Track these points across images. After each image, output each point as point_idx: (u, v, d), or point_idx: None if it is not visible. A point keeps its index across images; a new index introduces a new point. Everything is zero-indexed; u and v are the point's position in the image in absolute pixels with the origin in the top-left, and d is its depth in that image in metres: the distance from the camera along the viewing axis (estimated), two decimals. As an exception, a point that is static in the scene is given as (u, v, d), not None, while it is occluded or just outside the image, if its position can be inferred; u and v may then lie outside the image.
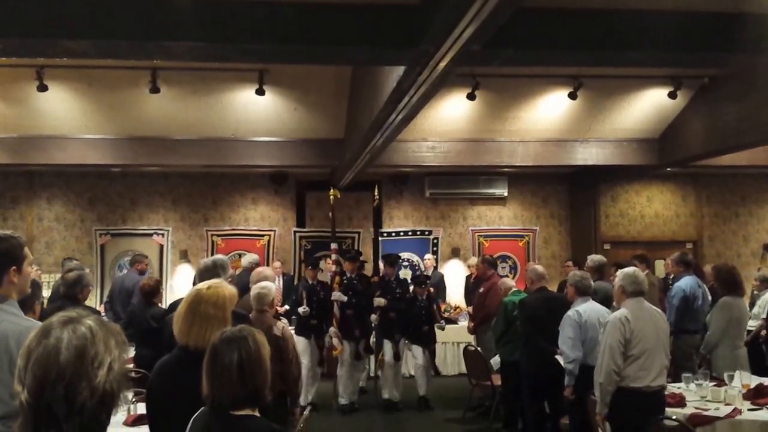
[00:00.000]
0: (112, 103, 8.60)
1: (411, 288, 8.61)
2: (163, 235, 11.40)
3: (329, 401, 8.47)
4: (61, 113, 8.72)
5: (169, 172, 11.22)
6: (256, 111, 8.77)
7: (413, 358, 8.46)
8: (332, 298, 8.11)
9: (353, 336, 8.22)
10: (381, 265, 8.86)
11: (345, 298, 8.12)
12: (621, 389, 4.57)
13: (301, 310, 8.19)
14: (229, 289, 3.18)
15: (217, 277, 4.38)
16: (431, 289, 8.73)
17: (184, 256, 11.27)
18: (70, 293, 6.19)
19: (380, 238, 11.55)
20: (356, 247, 11.46)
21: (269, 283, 5.34)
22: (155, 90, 7.90)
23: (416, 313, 8.27)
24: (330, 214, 8.88)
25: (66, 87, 8.27)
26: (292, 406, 4.94)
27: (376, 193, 9.20)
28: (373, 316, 8.28)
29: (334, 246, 8.69)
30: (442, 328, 8.53)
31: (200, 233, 11.51)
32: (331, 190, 8.77)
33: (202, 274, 4.59)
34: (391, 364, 8.34)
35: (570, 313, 5.57)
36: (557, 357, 5.78)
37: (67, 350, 1.42)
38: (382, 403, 8.36)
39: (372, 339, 8.60)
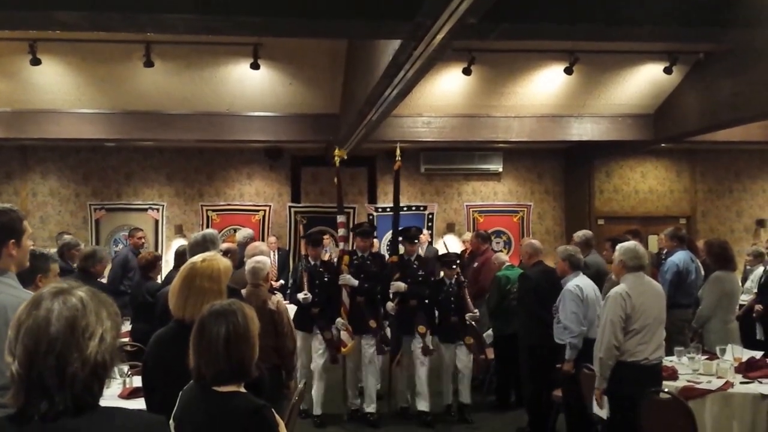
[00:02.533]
0: (106, 77, 8.55)
1: (437, 270, 7.17)
2: (158, 209, 11.41)
3: (336, 405, 7.02)
4: (55, 87, 8.66)
5: (163, 146, 11.19)
6: (250, 85, 8.73)
7: (443, 359, 6.87)
8: (340, 282, 6.67)
9: (367, 329, 6.72)
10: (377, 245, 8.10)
11: (356, 282, 6.67)
12: (620, 363, 4.59)
13: (301, 296, 6.64)
14: (224, 262, 3.18)
15: (218, 251, 4.41)
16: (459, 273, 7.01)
17: (180, 231, 11.27)
18: (83, 266, 6.21)
19: (375, 213, 11.60)
20: (352, 224, 11.45)
21: (264, 258, 5.37)
22: (149, 64, 7.85)
23: (444, 301, 6.74)
24: (336, 180, 7.47)
25: (59, 61, 8.22)
26: (287, 380, 4.98)
27: (336, 180, 7.62)
28: (390, 305, 6.72)
29: (341, 219, 7.30)
30: (476, 320, 6.79)
31: (195, 208, 11.51)
32: (337, 151, 7.33)
33: (192, 249, 4.58)
34: (419, 361, 6.70)
35: (570, 287, 5.56)
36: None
37: (57, 321, 1.42)
38: (402, 413, 6.93)
39: (382, 333, 7.03)
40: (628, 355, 4.61)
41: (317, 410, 6.77)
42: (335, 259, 7.17)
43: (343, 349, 6.71)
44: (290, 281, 10.70)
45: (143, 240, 9.06)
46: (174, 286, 3.07)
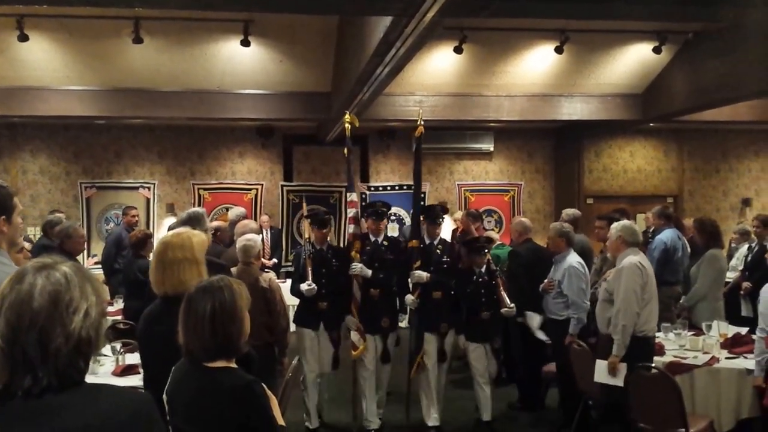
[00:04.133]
0: (95, 53, 8.48)
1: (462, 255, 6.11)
2: (149, 188, 11.38)
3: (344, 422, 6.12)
4: (43, 64, 8.59)
5: (154, 124, 11.14)
6: (241, 63, 8.69)
7: (472, 365, 5.90)
8: (351, 271, 5.70)
9: (380, 327, 5.78)
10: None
11: (369, 272, 5.71)
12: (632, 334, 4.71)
13: (304, 287, 5.61)
14: (198, 235, 3.20)
15: (203, 230, 4.42)
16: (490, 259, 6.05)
17: (171, 210, 11.25)
18: (60, 243, 6.23)
19: (368, 192, 11.62)
20: (343, 204, 11.47)
21: (255, 236, 5.39)
22: (138, 40, 7.80)
23: (473, 293, 5.78)
24: (345, 152, 6.32)
25: (47, 37, 8.14)
26: (280, 357, 5.04)
27: (345, 152, 6.34)
28: (410, 298, 5.79)
29: (352, 197, 6.16)
30: (513, 314, 5.84)
31: (187, 187, 11.49)
32: (347, 116, 6.27)
33: (177, 227, 4.62)
34: (436, 370, 5.84)
35: (574, 264, 5.67)
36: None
37: (40, 296, 1.40)
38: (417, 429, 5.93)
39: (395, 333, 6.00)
40: (641, 324, 4.72)
41: (314, 422, 5.92)
42: (311, 238, 6.05)
43: (353, 353, 5.73)
44: (283, 264, 10.90)
45: (137, 218, 9.07)
46: (151, 265, 3.11)
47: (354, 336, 5.75)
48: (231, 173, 11.67)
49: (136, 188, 11.36)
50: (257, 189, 11.59)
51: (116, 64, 8.68)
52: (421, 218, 5.97)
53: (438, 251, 5.90)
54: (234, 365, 2.34)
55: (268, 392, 2.35)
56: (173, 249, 3.04)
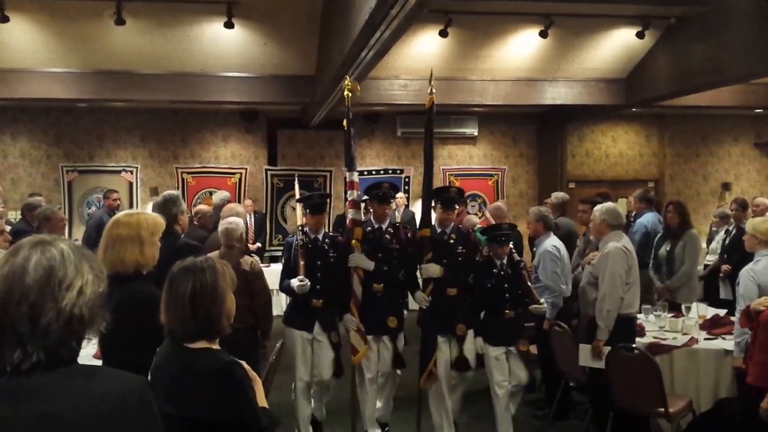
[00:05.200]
0: (76, 35, 8.36)
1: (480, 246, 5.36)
2: (131, 172, 11.30)
3: None
4: (24, 46, 8.46)
5: (136, 107, 11.04)
6: (224, 45, 8.61)
7: (491, 373, 5.05)
8: (350, 263, 5.00)
9: (385, 328, 5.07)
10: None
11: (371, 265, 5.00)
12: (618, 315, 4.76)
13: (295, 283, 4.92)
14: (151, 216, 3.18)
15: (169, 213, 4.41)
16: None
17: (155, 194, 11.15)
18: (37, 226, 6.17)
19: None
20: (328, 188, 11.46)
21: (237, 219, 5.32)
22: (120, 22, 7.69)
23: (495, 288, 5.03)
24: (344, 124, 5.40)
25: (28, 18, 8.01)
26: (263, 340, 5.01)
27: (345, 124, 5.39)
28: (420, 295, 5.04)
29: (352, 177, 5.27)
30: (543, 313, 5.23)
31: (170, 170, 11.42)
32: (346, 81, 5.52)
33: (153, 210, 4.61)
34: (452, 378, 5.10)
35: (549, 248, 5.62)
36: None
37: (34, 271, 1.37)
38: None
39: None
40: (624, 306, 4.78)
41: None
42: (304, 225, 5.24)
43: (353, 358, 5.01)
44: (267, 248, 10.90)
45: (118, 202, 9.02)
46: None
47: (353, 338, 4.96)
48: (214, 157, 11.62)
49: (119, 172, 11.27)
50: (241, 173, 11.54)
51: (98, 45, 8.56)
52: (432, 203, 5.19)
53: (452, 241, 5.10)
54: (216, 346, 2.31)
55: (252, 373, 2.33)
56: (118, 226, 3.02)
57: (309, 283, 4.93)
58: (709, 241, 8.49)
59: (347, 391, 5.37)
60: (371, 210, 5.42)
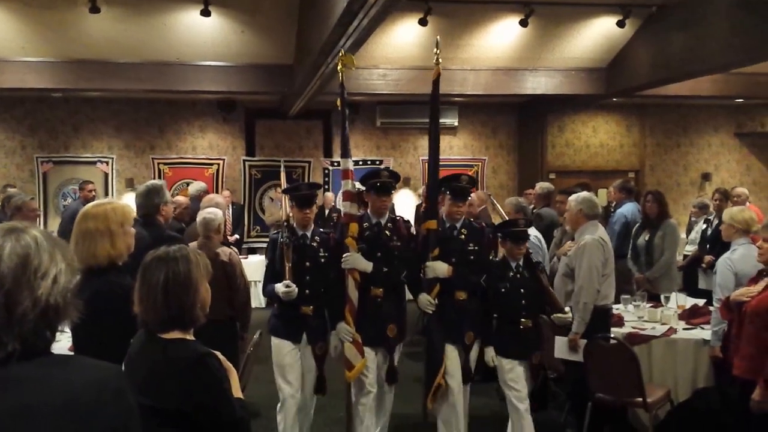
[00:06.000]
0: (51, 23, 8.18)
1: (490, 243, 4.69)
2: (107, 162, 11.15)
3: None
4: (-4, 34, 8.29)
5: (112, 97, 10.87)
6: (201, 34, 8.49)
7: (508, 387, 4.45)
8: (344, 265, 4.34)
9: (385, 338, 4.43)
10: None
11: (369, 266, 4.36)
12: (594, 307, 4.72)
13: (281, 288, 4.28)
14: (119, 206, 3.11)
15: (151, 203, 4.34)
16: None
17: (131, 185, 11.05)
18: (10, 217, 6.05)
19: (331, 168, 11.54)
20: (307, 178, 11.37)
21: (215, 209, 5.28)
22: (95, 10, 7.55)
23: (510, 293, 4.42)
24: (338, 103, 4.83)
25: (2, 7, 7.83)
26: (242, 332, 4.98)
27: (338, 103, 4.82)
28: (425, 298, 4.37)
29: (347, 165, 4.67)
30: (567, 323, 4.56)
31: (146, 161, 11.28)
32: (341, 55, 4.83)
33: (136, 200, 4.55)
34: (461, 393, 4.48)
35: (533, 240, 5.59)
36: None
37: (9, 258, 1.35)
38: None
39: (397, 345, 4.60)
40: (600, 298, 4.74)
41: None
42: (290, 220, 4.52)
43: (348, 374, 4.38)
44: (245, 240, 10.80)
45: (94, 193, 8.90)
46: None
47: (349, 351, 4.33)
48: (192, 148, 11.49)
49: (94, 163, 11.12)
50: (218, 164, 11.43)
51: (73, 34, 8.40)
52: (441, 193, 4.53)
53: (462, 237, 4.47)
54: (191, 337, 2.30)
55: (227, 364, 2.32)
56: (87, 220, 2.97)
57: (296, 289, 4.26)
58: (689, 231, 8.51)
59: (337, 409, 4.74)
60: (369, 203, 4.59)
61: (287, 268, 4.31)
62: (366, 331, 4.38)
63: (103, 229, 2.93)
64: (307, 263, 4.42)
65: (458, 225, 4.52)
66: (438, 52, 4.75)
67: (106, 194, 10.97)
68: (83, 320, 2.67)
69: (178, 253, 2.31)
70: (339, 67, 4.74)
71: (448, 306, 4.41)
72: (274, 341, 4.48)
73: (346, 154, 4.68)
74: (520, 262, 4.51)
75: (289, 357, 4.42)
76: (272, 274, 4.51)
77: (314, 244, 4.49)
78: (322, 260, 4.47)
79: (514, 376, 4.43)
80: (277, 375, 4.46)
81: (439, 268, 4.37)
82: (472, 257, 4.47)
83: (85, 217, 2.99)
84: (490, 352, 4.50)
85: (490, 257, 4.59)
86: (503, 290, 4.46)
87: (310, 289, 4.39)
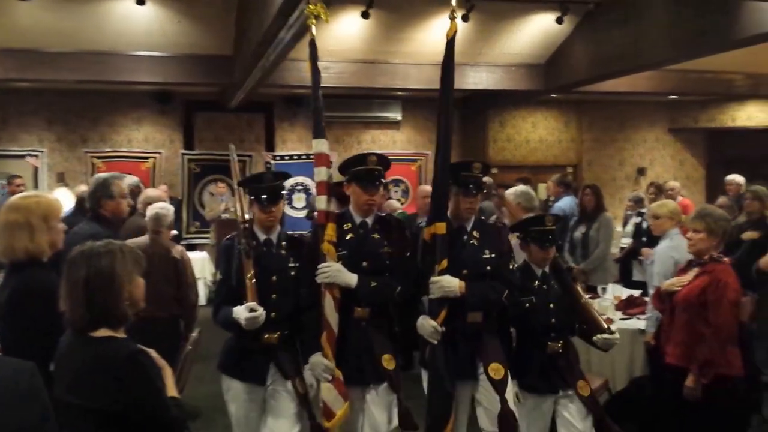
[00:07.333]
0: (-25, 10, 7.83)
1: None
2: (37, 156, 10.72)
3: None
4: None
5: (42, 88, 10.46)
6: (136, 22, 8.23)
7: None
8: (320, 278, 3.26)
9: (374, 372, 3.31)
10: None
11: (354, 280, 3.27)
12: None
13: (243, 314, 3.22)
14: (46, 199, 3.00)
15: (93, 197, 4.20)
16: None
17: (62, 179, 10.69)
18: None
19: (273, 162, 11.38)
20: (249, 173, 11.18)
21: (167, 204, 5.30)
22: (23, -5, 7.26)
23: (537, 310, 3.51)
24: (308, 67, 3.70)
25: None
26: (186, 332, 4.88)
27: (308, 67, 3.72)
28: (429, 324, 3.27)
29: (320, 147, 3.52)
30: (615, 344, 3.57)
31: (79, 155, 10.92)
32: (310, 5, 3.70)
33: (87, 194, 4.43)
34: None
35: None
36: None
37: None
38: None
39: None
40: None
41: None
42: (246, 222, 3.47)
43: (325, 423, 3.23)
44: (183, 236, 10.54)
45: (23, 188, 8.53)
46: None
47: (327, 393, 3.23)
48: (127, 141, 11.18)
49: (23, 156, 10.68)
50: (155, 158, 11.11)
51: (1, 22, 8.03)
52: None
53: (474, 242, 3.45)
54: (121, 335, 2.23)
55: (161, 362, 2.27)
56: (9, 211, 2.87)
57: (264, 313, 3.24)
58: (624, 224, 8.72)
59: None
60: (350, 197, 3.51)
61: (249, 285, 3.28)
62: (349, 366, 3.27)
63: (23, 222, 2.81)
64: (273, 277, 3.38)
65: (468, 226, 3.48)
66: (455, 4, 3.60)
67: (36, 189, 10.56)
68: (4, 317, 2.56)
69: (102, 248, 2.23)
70: (309, 20, 3.65)
71: (459, 332, 3.36)
72: (231, 385, 3.40)
73: (319, 132, 3.50)
74: (547, 269, 3.61)
75: (243, 407, 3.36)
76: (227, 293, 3.41)
77: (282, 251, 3.46)
78: (292, 273, 3.43)
79: (540, 415, 3.55)
80: (234, 426, 3.42)
81: (449, 285, 3.26)
82: (488, 267, 3.41)
83: (8, 209, 2.89)
84: (513, 389, 3.42)
85: (511, 266, 3.51)
86: (527, 306, 3.51)
87: (276, 310, 3.33)
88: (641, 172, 13.22)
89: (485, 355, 3.33)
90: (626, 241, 8.19)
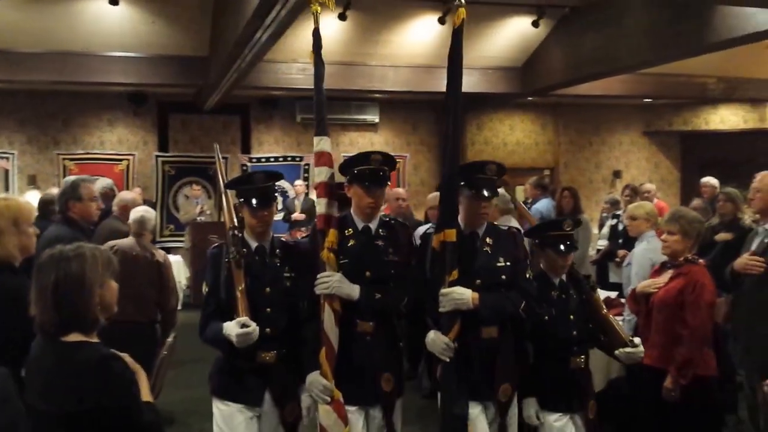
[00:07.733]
0: (-58, 8, 7.67)
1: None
2: (8, 158, 10.54)
3: None
4: None
5: (13, 89, 10.27)
6: (109, 23, 8.15)
7: None
8: (319, 289, 2.96)
9: (378, 393, 3.06)
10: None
11: (356, 291, 2.99)
12: None
13: (235, 330, 2.87)
14: (15, 202, 2.90)
15: (60, 200, 4.15)
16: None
17: (33, 182, 10.54)
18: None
19: (249, 164, 11.28)
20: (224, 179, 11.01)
21: (149, 208, 5.20)
22: (-8, -6, 7.12)
23: (553, 321, 3.27)
24: (310, 56, 3.42)
25: None
26: (164, 337, 4.82)
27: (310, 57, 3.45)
28: (441, 339, 2.98)
29: (322, 145, 3.24)
30: (639, 358, 3.36)
31: (50, 157, 10.74)
32: None
33: (56, 197, 4.41)
34: None
35: None
36: None
37: None
38: None
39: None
40: None
41: None
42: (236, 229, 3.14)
43: None
44: (157, 240, 10.39)
45: (-9, 191, 8.36)
46: None
47: (325, 415, 2.95)
48: (100, 143, 11.03)
49: (-7, 158, 10.49)
50: (129, 160, 10.97)
51: (-31, 21, 7.90)
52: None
53: (487, 249, 3.18)
54: (94, 339, 2.17)
55: (135, 366, 2.22)
56: None
57: (257, 329, 2.90)
58: (601, 226, 8.77)
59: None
60: (352, 200, 3.20)
61: (240, 298, 2.96)
62: (351, 385, 2.99)
63: None
64: (267, 289, 3.07)
65: (481, 232, 3.20)
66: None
67: (6, 192, 10.37)
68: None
69: (71, 252, 2.17)
70: (313, 7, 3.34)
71: (473, 349, 3.08)
72: (222, 408, 3.05)
73: (322, 129, 3.25)
74: (564, 278, 3.36)
75: (250, 425, 3.04)
76: (216, 308, 3.07)
77: (276, 260, 3.14)
78: (288, 283, 3.12)
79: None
80: None
81: (461, 298, 2.98)
82: (504, 277, 3.14)
83: None
84: (531, 406, 3.24)
85: (528, 274, 3.23)
86: (546, 318, 3.26)
87: (271, 326, 3.02)
88: (617, 174, 13.34)
89: (499, 375, 3.12)
90: (602, 243, 8.24)
